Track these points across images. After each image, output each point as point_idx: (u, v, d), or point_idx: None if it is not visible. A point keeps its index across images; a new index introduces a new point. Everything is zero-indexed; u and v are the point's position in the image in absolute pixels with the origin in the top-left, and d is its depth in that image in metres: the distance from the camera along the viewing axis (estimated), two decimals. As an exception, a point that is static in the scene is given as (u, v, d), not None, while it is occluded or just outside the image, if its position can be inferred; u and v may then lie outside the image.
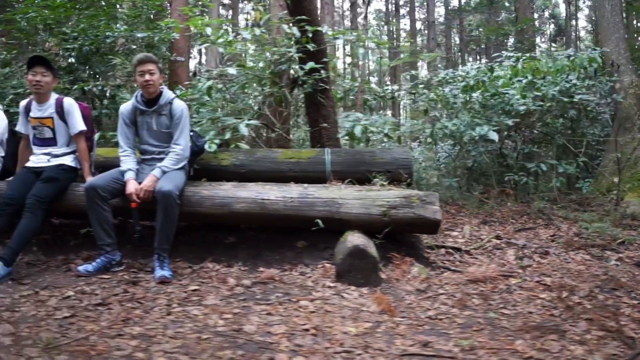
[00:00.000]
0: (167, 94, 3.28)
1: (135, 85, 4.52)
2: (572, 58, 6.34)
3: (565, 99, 5.92)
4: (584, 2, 20.12)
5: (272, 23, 4.69)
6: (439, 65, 14.49)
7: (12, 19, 4.79)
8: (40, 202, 3.09)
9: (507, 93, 5.86)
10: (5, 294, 2.61)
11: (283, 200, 3.14)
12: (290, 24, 4.10)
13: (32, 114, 3.39)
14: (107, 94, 4.42)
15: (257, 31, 4.00)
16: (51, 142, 3.39)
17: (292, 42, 4.19)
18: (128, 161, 3.22)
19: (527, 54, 6.94)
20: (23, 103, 3.47)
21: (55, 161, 3.35)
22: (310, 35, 4.08)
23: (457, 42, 22.64)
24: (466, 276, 3.06)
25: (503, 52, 7.08)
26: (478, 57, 23.26)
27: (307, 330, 2.18)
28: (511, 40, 16.46)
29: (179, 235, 3.25)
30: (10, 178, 3.41)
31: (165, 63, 5.13)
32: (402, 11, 23.61)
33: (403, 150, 3.99)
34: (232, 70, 3.77)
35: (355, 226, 3.13)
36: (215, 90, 4.17)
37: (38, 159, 3.37)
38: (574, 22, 20.10)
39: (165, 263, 3.01)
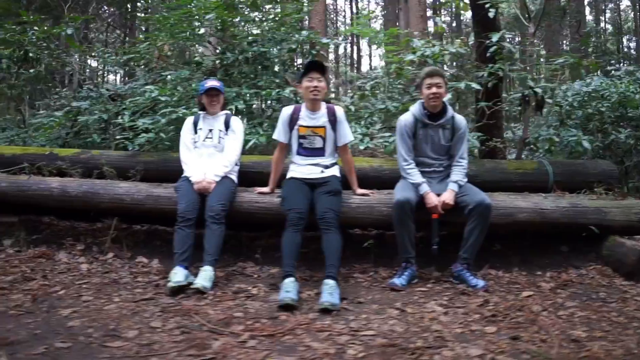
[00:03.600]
0: (449, 107, 3.35)
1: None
2: None
3: None
4: None
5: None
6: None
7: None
8: (338, 216, 3.05)
9: None
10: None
11: (559, 210, 3.40)
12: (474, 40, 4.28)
13: (302, 123, 3.28)
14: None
15: (453, 47, 4.11)
16: (320, 152, 3.31)
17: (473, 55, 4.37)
18: (417, 174, 3.25)
19: None
20: (288, 111, 3.33)
21: (329, 172, 3.28)
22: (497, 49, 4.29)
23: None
24: None
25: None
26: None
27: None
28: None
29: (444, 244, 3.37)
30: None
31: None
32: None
33: (608, 162, 4.39)
34: (462, 85, 3.87)
35: (616, 231, 3.49)
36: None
37: (308, 170, 3.27)
38: None
39: (473, 272, 3.13)
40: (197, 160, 3.41)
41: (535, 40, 4.70)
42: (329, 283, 2.77)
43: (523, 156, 4.65)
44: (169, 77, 4.33)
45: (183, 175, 3.40)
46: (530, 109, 4.02)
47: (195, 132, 3.49)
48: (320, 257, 3.05)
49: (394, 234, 3.47)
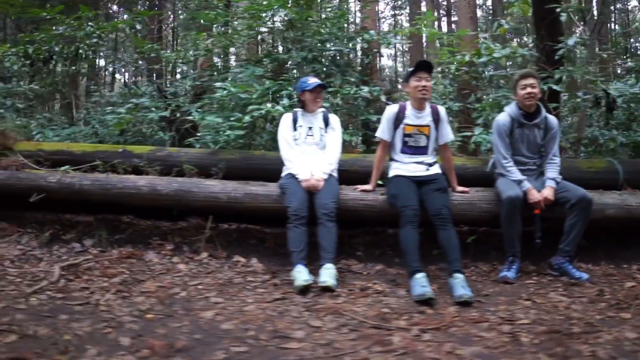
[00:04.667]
0: (542, 107, 3.48)
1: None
2: None
3: None
4: None
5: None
6: None
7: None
8: (449, 212, 3.13)
9: None
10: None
11: (640, 205, 3.60)
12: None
13: (408, 121, 3.34)
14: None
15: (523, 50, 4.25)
16: (423, 150, 3.39)
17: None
18: (517, 172, 3.37)
19: None
20: (393, 109, 3.38)
21: (433, 170, 3.36)
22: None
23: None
24: None
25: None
26: None
27: None
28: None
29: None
30: None
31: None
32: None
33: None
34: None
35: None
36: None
37: (414, 167, 3.34)
38: None
39: (575, 265, 3.28)
40: (301, 157, 3.40)
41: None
42: (459, 277, 2.85)
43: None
44: (240, 74, 4.26)
45: (287, 173, 3.39)
46: (598, 110, 4.21)
47: (295, 129, 3.48)
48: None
49: (486, 230, 3.59)
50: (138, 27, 4.64)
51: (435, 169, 3.38)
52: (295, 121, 3.51)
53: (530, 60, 4.57)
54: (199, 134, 4.01)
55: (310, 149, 3.44)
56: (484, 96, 4.34)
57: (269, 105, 3.80)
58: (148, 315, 2.51)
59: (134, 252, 3.57)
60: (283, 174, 3.45)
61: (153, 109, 4.66)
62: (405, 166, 3.36)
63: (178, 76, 7.17)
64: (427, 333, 2.30)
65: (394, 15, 15.00)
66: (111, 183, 3.66)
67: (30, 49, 4.64)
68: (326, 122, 3.52)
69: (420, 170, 3.33)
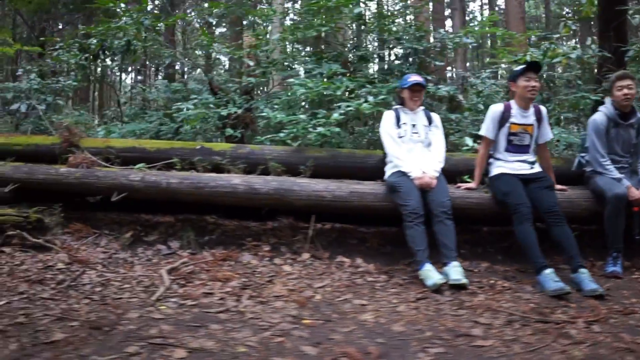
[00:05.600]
0: (636, 108, 3.59)
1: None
2: None
3: None
4: None
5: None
6: None
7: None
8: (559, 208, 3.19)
9: None
10: None
11: None
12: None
13: (514, 120, 3.38)
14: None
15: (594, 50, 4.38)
16: (526, 149, 3.43)
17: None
18: (615, 170, 3.46)
19: None
20: (499, 108, 3.40)
21: (536, 168, 3.41)
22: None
23: None
24: None
25: None
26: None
27: None
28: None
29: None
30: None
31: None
32: None
33: None
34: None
35: None
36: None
37: (519, 166, 3.38)
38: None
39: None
40: (409, 155, 3.36)
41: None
42: (585, 272, 2.92)
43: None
44: (315, 70, 4.16)
45: (396, 170, 3.34)
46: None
47: (399, 127, 3.44)
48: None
49: (576, 227, 3.67)
50: (212, 20, 4.43)
51: (537, 167, 3.43)
52: (398, 118, 3.47)
53: (594, 63, 4.71)
54: (283, 131, 3.86)
55: (416, 147, 3.41)
56: (551, 97, 4.43)
57: (359, 101, 3.72)
58: (305, 320, 2.41)
59: (229, 254, 3.42)
60: (389, 172, 3.40)
61: (211, 105, 4.49)
62: (509, 164, 3.39)
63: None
64: (594, 325, 2.33)
65: (451, 17, 14.95)
66: (203, 181, 3.49)
67: (92, 40, 4.36)
68: (429, 120, 3.50)
69: (524, 169, 3.38)
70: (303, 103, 4.19)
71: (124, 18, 4.25)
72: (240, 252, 3.47)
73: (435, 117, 3.56)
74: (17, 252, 3.34)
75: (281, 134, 4.04)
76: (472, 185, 3.48)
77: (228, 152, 3.85)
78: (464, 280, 2.87)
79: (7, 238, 3.40)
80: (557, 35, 4.58)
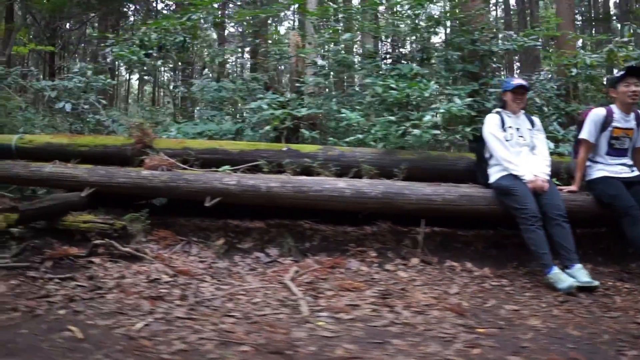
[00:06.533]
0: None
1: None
2: None
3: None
4: None
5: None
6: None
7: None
8: None
9: None
10: None
11: None
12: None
13: (616, 124, 3.43)
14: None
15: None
16: (625, 152, 3.51)
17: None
18: None
19: None
20: (601, 112, 3.44)
21: (635, 172, 3.48)
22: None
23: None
24: None
25: None
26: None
27: None
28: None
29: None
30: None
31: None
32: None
33: None
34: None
35: None
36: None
37: (620, 169, 3.44)
38: None
39: None
40: (517, 158, 3.34)
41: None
42: None
43: None
44: (394, 71, 4.05)
45: (506, 174, 3.30)
46: None
47: (504, 130, 3.42)
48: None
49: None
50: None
51: (636, 170, 3.51)
52: (502, 122, 3.44)
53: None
54: (365, 133, 3.74)
55: (523, 151, 3.40)
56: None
57: (453, 103, 3.66)
58: (479, 329, 2.32)
59: (335, 261, 3.26)
60: (497, 175, 3.36)
61: (273, 105, 4.30)
62: (610, 167, 3.45)
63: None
64: None
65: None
66: (307, 185, 3.31)
67: (153, 36, 4.03)
68: (532, 123, 3.50)
69: (625, 172, 3.44)
70: (377, 105, 4.08)
71: (190, 13, 3.97)
72: (346, 259, 3.32)
73: (537, 120, 3.57)
74: (108, 263, 3.03)
75: (359, 135, 3.93)
76: (573, 188, 3.51)
77: (319, 154, 3.68)
78: (595, 283, 2.88)
79: (94, 247, 3.07)
80: (626, 39, 4.70)
